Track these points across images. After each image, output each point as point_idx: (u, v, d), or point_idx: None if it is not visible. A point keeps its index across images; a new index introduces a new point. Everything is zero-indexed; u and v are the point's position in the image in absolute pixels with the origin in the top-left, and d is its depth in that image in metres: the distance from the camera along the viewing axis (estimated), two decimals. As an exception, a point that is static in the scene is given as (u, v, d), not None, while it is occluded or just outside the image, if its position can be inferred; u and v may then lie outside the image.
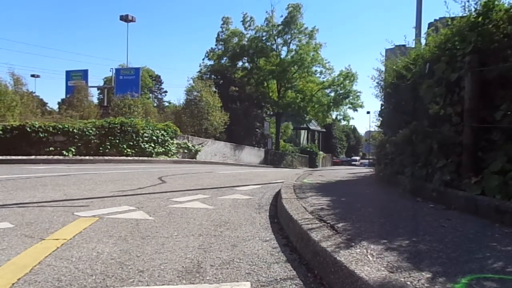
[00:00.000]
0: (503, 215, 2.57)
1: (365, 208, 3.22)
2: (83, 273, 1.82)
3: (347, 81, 29.71)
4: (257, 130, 32.98)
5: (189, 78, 33.71)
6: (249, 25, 30.62)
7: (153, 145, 15.31)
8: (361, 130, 69.97)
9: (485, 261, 1.76)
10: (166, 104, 49.25)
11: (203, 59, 33.93)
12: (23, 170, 7.57)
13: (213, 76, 32.38)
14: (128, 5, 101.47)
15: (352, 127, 65.16)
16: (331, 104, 30.85)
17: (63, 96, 28.11)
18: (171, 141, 16.52)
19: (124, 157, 13.61)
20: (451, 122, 3.63)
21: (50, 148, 12.26)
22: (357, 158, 54.01)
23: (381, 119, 6.81)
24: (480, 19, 3.45)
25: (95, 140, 13.37)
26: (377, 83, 6.56)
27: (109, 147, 13.63)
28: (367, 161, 43.16)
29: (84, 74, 28.65)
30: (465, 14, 3.73)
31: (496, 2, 3.42)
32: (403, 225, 2.56)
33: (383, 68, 6.46)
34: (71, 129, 12.81)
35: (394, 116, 5.56)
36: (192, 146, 18.58)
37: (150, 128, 15.46)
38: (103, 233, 2.61)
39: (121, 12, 74.51)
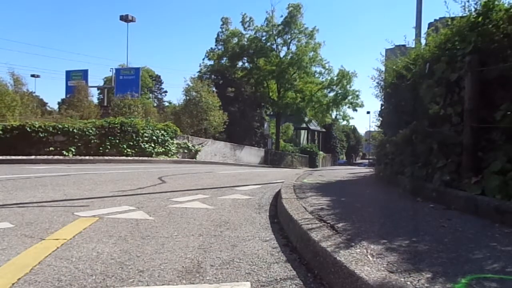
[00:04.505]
0: (503, 215, 2.57)
1: (365, 208, 3.22)
2: (83, 273, 1.82)
3: (345, 81, 29.73)
4: (257, 130, 32.99)
5: (186, 79, 33.76)
6: (249, 26, 30.72)
7: (153, 145, 15.31)
8: (361, 130, 70.12)
9: (485, 261, 1.75)
10: (166, 104, 49.25)
11: (203, 59, 34.08)
12: (23, 170, 7.57)
13: (213, 76, 32.40)
14: (128, 5, 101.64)
15: (352, 127, 65.19)
16: (331, 104, 30.87)
17: (63, 96, 28.20)
18: (171, 141, 16.52)
19: (124, 157, 13.60)
20: (451, 122, 3.63)
21: (50, 148, 12.25)
22: (342, 161, 52.20)
23: (381, 119, 6.81)
24: (480, 19, 3.45)
25: (95, 140, 13.37)
26: (377, 83, 6.57)
27: (109, 147, 13.63)
28: (367, 161, 42.51)
29: (84, 74, 28.70)
30: (465, 14, 3.73)
31: (496, 2, 3.42)
32: (403, 225, 2.56)
33: (383, 68, 6.46)
34: (71, 129, 12.81)
35: (394, 116, 5.56)
36: (192, 146, 18.58)
37: (150, 128, 15.46)
38: (103, 233, 2.61)
39: (121, 12, 74.79)
